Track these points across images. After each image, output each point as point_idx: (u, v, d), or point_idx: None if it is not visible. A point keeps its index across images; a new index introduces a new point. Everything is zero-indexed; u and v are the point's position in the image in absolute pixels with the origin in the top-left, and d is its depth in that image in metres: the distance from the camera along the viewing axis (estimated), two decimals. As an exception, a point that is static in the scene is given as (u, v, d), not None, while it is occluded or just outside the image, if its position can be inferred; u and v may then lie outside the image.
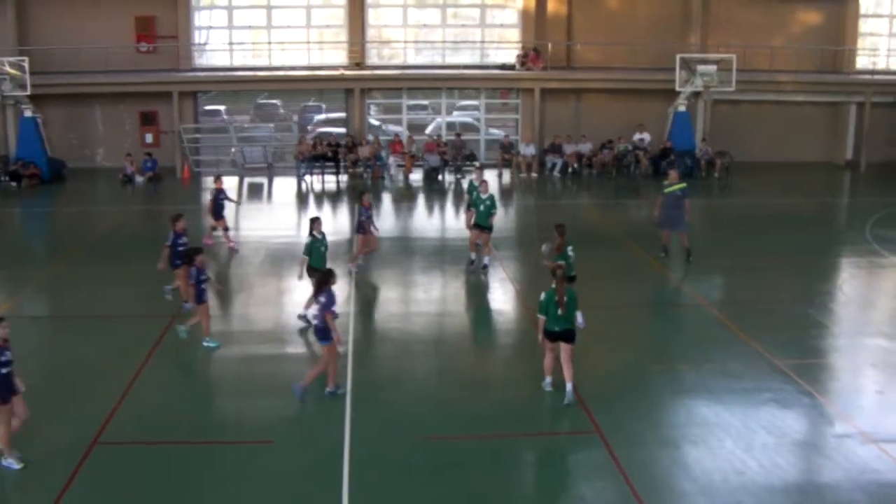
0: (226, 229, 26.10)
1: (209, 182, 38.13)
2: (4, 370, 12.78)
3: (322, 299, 15.35)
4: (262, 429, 14.58)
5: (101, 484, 12.78)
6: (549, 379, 15.79)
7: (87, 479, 12.80)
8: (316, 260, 19.27)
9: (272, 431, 14.45)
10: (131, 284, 22.82)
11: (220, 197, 25.86)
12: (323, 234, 19.80)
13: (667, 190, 24.32)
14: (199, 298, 17.94)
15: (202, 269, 18.06)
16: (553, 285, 15.26)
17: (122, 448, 13.86)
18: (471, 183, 25.19)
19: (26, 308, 21.38)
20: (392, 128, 42.38)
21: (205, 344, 17.96)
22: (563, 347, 15.34)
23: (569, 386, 15.28)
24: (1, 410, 12.83)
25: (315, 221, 19.90)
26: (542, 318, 15.34)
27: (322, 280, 15.70)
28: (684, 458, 13.46)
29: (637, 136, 40.08)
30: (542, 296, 15.36)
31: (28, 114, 38.04)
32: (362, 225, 23.09)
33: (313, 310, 16.09)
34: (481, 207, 23.15)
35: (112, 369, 16.80)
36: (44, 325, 20.49)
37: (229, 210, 27.41)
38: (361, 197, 23.65)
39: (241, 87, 42.84)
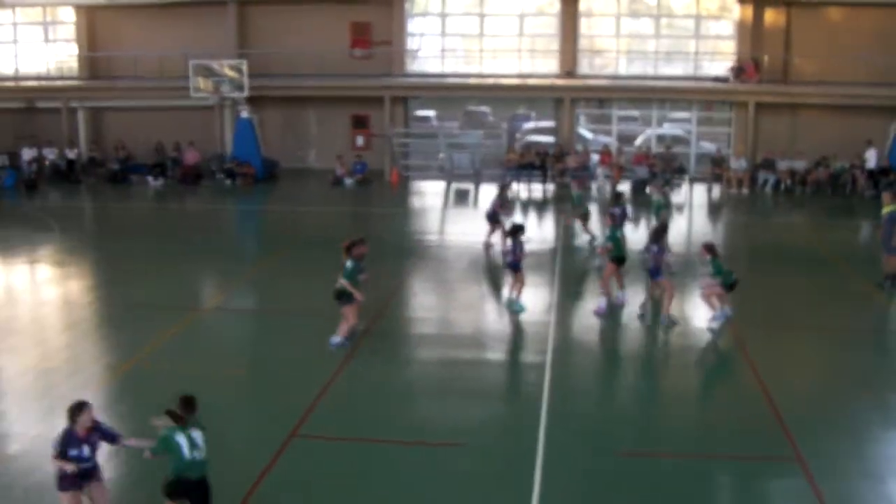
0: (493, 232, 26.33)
1: (418, 186, 38.91)
2: (83, 465, 10.64)
3: (654, 248, 19.44)
4: (455, 431, 14.63)
5: (295, 475, 13.12)
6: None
7: (282, 470, 13.19)
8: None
9: (464, 434, 14.47)
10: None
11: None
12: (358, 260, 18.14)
13: (882, 211, 23.29)
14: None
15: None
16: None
17: (318, 442, 14.21)
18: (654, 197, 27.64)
19: (235, 302, 22.33)
20: (601, 138, 42.00)
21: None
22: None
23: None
24: (61, 497, 10.75)
25: (358, 244, 18.13)
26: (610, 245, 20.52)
27: (661, 230, 19.93)
28: (891, 493, 12.69)
29: (866, 153, 38.12)
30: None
31: (244, 115, 39.69)
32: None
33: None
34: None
35: (314, 364, 17.28)
36: (252, 319, 21.25)
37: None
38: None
39: (451, 93, 43.45)
